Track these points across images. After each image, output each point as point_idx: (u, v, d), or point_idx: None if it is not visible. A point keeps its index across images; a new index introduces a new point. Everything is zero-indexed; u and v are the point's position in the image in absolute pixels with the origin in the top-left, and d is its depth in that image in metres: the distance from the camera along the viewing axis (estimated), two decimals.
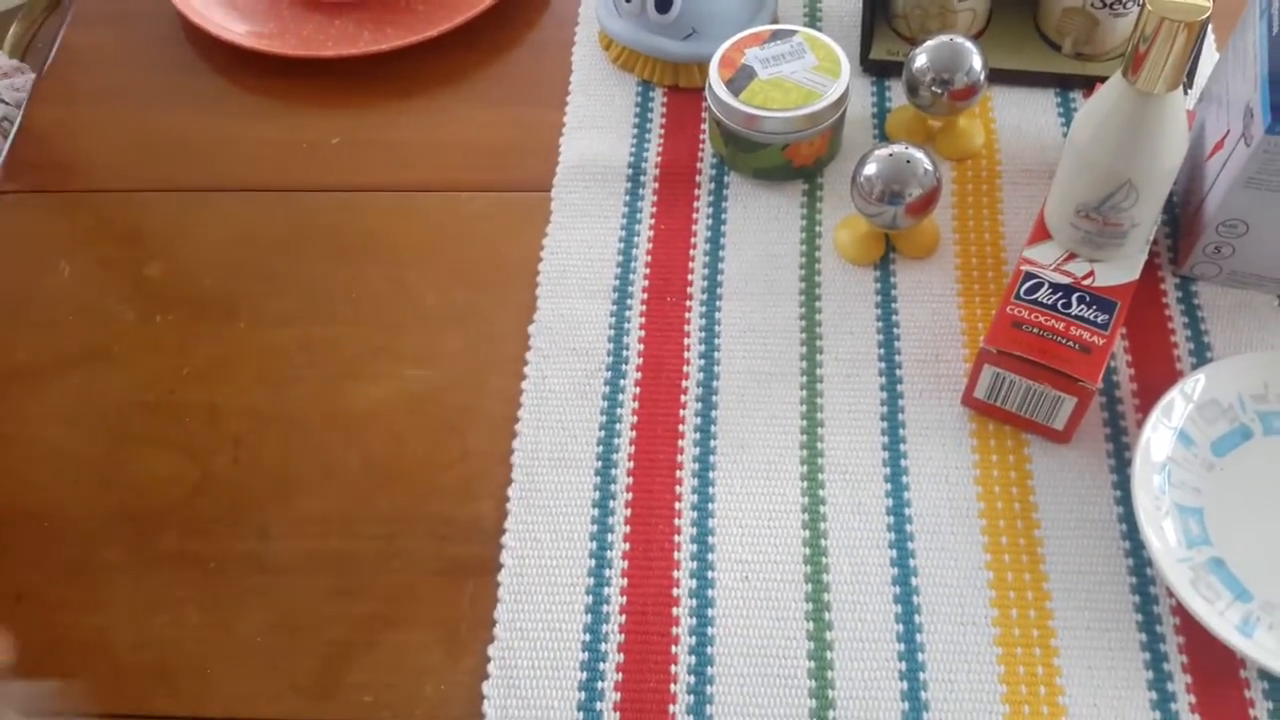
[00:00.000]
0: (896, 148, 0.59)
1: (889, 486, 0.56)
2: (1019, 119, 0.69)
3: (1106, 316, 0.55)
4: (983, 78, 0.63)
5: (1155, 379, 0.59)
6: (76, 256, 0.67)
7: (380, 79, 0.74)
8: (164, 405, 0.61)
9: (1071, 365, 0.53)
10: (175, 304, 0.65)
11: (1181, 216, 0.62)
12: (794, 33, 0.66)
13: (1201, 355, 0.59)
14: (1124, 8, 0.65)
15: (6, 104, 0.78)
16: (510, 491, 0.57)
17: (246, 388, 0.61)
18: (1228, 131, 0.57)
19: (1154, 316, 0.60)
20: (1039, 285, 0.56)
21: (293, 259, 0.66)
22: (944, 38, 0.63)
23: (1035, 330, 0.54)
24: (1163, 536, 0.52)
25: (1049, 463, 0.56)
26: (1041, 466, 0.56)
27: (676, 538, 0.55)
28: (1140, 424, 0.57)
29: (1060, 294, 0.55)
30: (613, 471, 0.57)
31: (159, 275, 0.66)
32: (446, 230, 0.67)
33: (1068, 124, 0.68)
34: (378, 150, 0.70)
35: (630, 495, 0.57)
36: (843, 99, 0.64)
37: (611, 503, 0.57)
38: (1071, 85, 0.69)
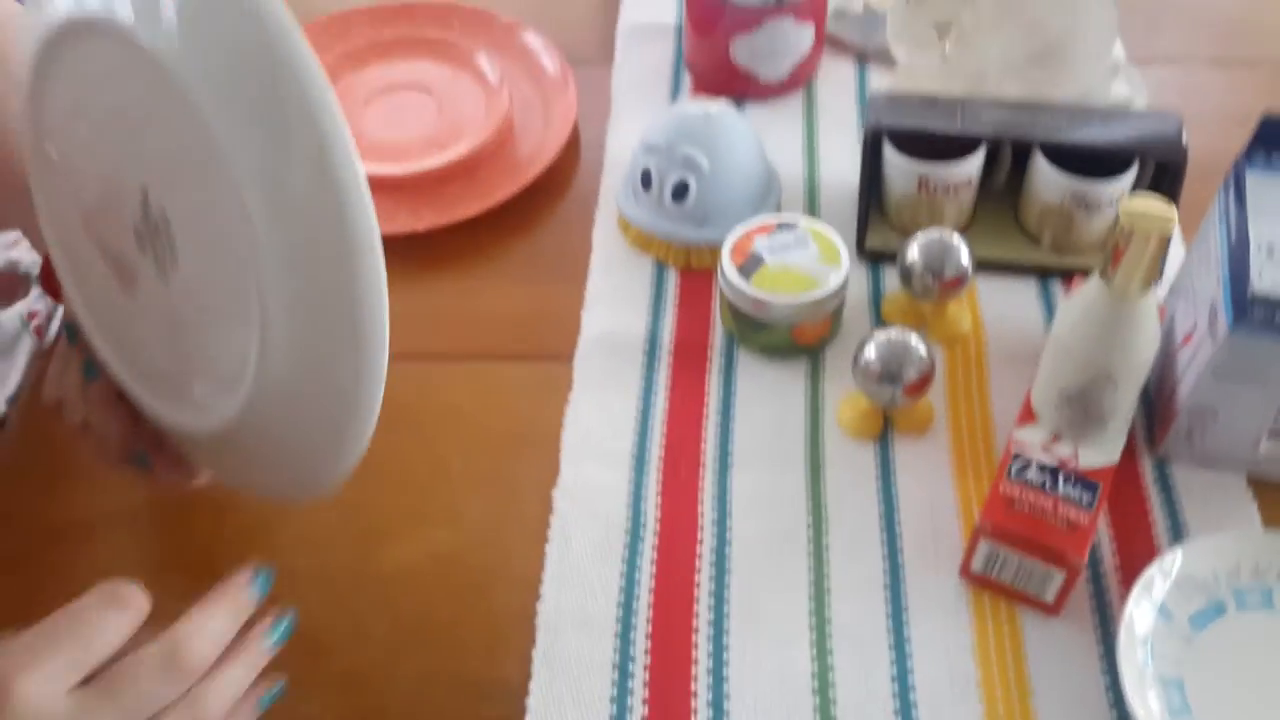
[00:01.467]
0: (894, 333, 0.65)
1: (893, 655, 0.60)
2: (1003, 305, 0.75)
3: (1090, 496, 0.59)
4: (969, 270, 0.69)
5: (1136, 554, 0.63)
6: None
7: (414, 254, 0.79)
8: (203, 565, 0.64)
9: (1060, 542, 0.58)
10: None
11: (1156, 402, 0.68)
12: (797, 224, 0.72)
13: (1178, 532, 0.64)
14: (1099, 209, 0.72)
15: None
16: (534, 653, 0.60)
17: (285, 546, 0.65)
18: (1195, 325, 0.63)
19: (1133, 495, 0.65)
20: (1027, 465, 0.61)
21: None
22: (934, 233, 0.69)
23: (1027, 508, 0.59)
24: (1147, 707, 0.55)
25: (1041, 634, 0.60)
26: (1034, 638, 0.60)
27: (693, 702, 0.58)
28: (1123, 598, 0.61)
29: (1048, 474, 0.60)
30: (632, 634, 0.61)
31: None
32: (473, 397, 0.71)
33: (1048, 311, 0.74)
34: (410, 321, 0.75)
35: (649, 659, 0.60)
36: (843, 286, 0.69)
37: (631, 665, 0.60)
38: (1050, 274, 0.76)
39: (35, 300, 0.80)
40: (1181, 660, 0.58)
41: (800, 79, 0.88)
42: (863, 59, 0.92)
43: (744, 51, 0.85)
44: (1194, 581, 0.60)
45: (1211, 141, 0.74)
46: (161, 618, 0.63)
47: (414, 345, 0.74)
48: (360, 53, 0.91)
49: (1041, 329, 0.73)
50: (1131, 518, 0.64)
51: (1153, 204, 0.53)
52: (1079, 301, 0.58)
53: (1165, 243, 0.53)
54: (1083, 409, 0.60)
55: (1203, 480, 0.66)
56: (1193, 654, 0.58)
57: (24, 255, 0.85)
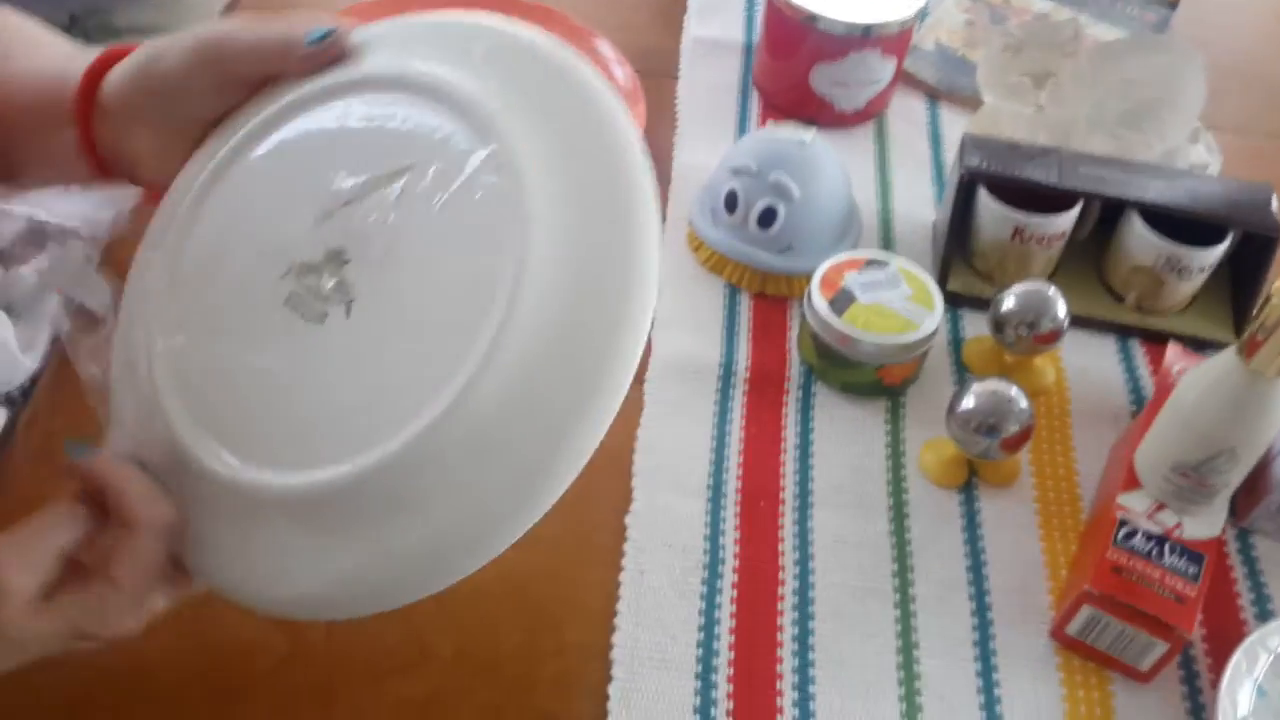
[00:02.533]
0: (995, 384, 0.63)
1: (984, 715, 0.58)
2: (1084, 361, 0.73)
3: (1196, 568, 0.58)
4: (1065, 324, 0.68)
5: (1222, 625, 0.62)
6: None
7: None
8: None
9: (1167, 613, 0.56)
10: None
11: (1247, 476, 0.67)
12: (888, 263, 0.70)
13: (1263, 606, 0.63)
14: (1189, 274, 0.71)
15: (81, 238, 0.77)
16: (610, 690, 0.57)
17: None
18: None
19: (1218, 566, 0.64)
20: (1134, 533, 0.59)
21: None
22: (1032, 285, 0.68)
23: (1134, 577, 0.57)
24: None
25: (1132, 702, 0.59)
26: (1125, 705, 0.59)
27: None
28: (1210, 668, 0.60)
29: (1154, 543, 0.59)
30: (713, 678, 0.58)
31: None
32: None
33: (1127, 369, 0.73)
34: None
35: (732, 703, 0.57)
36: (936, 330, 0.67)
37: (713, 710, 0.57)
38: (1131, 334, 0.75)
39: (55, 255, 0.74)
40: None
41: (873, 110, 0.86)
42: (934, 95, 0.90)
43: (824, 79, 0.83)
44: None
45: None
46: (201, 613, 0.59)
47: None
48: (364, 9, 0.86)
49: (1122, 388, 0.72)
50: (1217, 587, 0.63)
51: None
52: (1208, 376, 0.56)
53: None
54: (1197, 481, 0.58)
55: None
56: None
57: (40, 210, 0.79)
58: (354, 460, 0.42)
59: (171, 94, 0.50)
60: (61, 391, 0.67)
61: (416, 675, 0.57)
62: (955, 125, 0.88)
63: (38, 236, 0.75)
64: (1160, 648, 0.57)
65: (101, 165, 0.54)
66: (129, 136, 0.52)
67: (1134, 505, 0.61)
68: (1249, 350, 0.54)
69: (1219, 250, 0.70)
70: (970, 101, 0.87)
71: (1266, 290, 0.52)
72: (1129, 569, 0.58)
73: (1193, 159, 0.80)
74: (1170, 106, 0.76)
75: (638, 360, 0.43)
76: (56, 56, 0.58)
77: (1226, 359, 0.56)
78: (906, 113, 0.89)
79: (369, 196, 0.45)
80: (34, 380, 0.68)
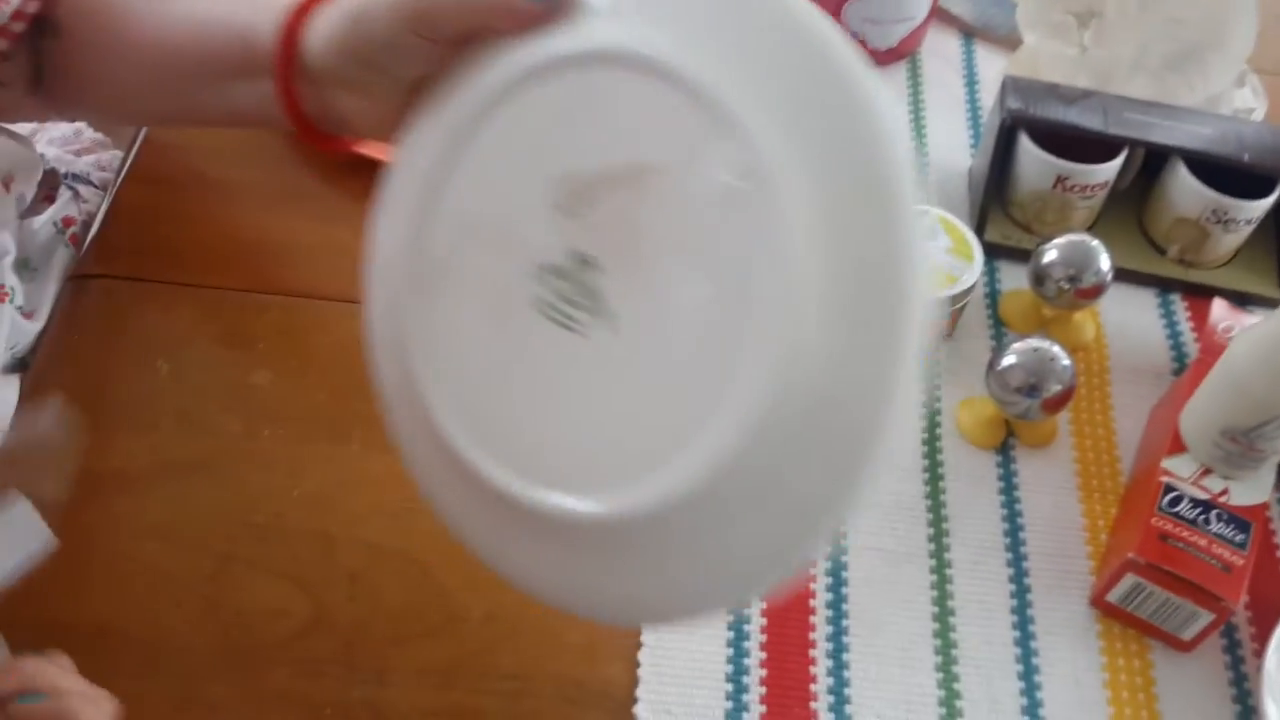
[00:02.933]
0: (1039, 343, 0.61)
1: (1022, 685, 0.56)
2: (1123, 316, 0.71)
3: (1244, 536, 0.56)
4: (1109, 278, 0.65)
5: (1265, 591, 0.60)
6: (176, 355, 0.64)
7: None
8: (272, 529, 0.58)
9: (1214, 583, 0.55)
10: (284, 418, 0.62)
11: None
12: (927, 211, 0.67)
13: None
14: (1236, 226, 0.68)
15: (93, 185, 0.74)
16: (640, 655, 0.56)
17: (362, 517, 0.59)
18: None
19: (1263, 533, 0.63)
20: (1180, 499, 0.57)
21: None
22: (1076, 237, 0.65)
23: (1180, 544, 0.56)
24: None
25: (1173, 671, 0.57)
26: (1165, 675, 0.57)
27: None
28: (1254, 636, 0.59)
29: (1200, 509, 0.57)
30: (745, 644, 0.57)
31: (266, 385, 0.63)
32: None
33: (1169, 325, 0.71)
34: None
35: (765, 671, 0.56)
36: (976, 283, 0.65)
37: (745, 678, 0.56)
38: (1172, 288, 0.72)
39: (67, 204, 0.71)
40: None
41: (906, 49, 0.83)
42: (969, 34, 0.87)
43: (857, 15, 0.79)
44: None
45: None
46: (221, 576, 0.57)
47: None
48: None
49: (1163, 344, 0.70)
50: (1261, 554, 0.62)
51: None
52: (1264, 338, 0.54)
53: None
54: (1247, 446, 0.56)
55: None
56: None
57: (50, 149, 0.76)
58: (638, 489, 0.38)
59: (379, 57, 0.47)
60: (62, 345, 0.65)
61: (442, 639, 0.56)
62: (991, 66, 0.84)
63: (49, 181, 0.72)
64: (1205, 618, 0.56)
65: (304, 122, 0.52)
66: (335, 97, 0.50)
67: (1179, 470, 0.59)
68: None
69: (1268, 202, 0.68)
70: (1007, 41, 0.83)
71: None
72: (1175, 536, 0.56)
73: (1237, 103, 0.77)
74: (1217, 48, 0.73)
75: (921, 391, 0.38)
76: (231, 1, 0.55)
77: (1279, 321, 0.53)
78: (941, 51, 0.85)
79: (610, 194, 0.41)
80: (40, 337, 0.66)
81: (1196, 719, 0.56)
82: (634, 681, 0.55)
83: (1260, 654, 0.56)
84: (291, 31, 0.50)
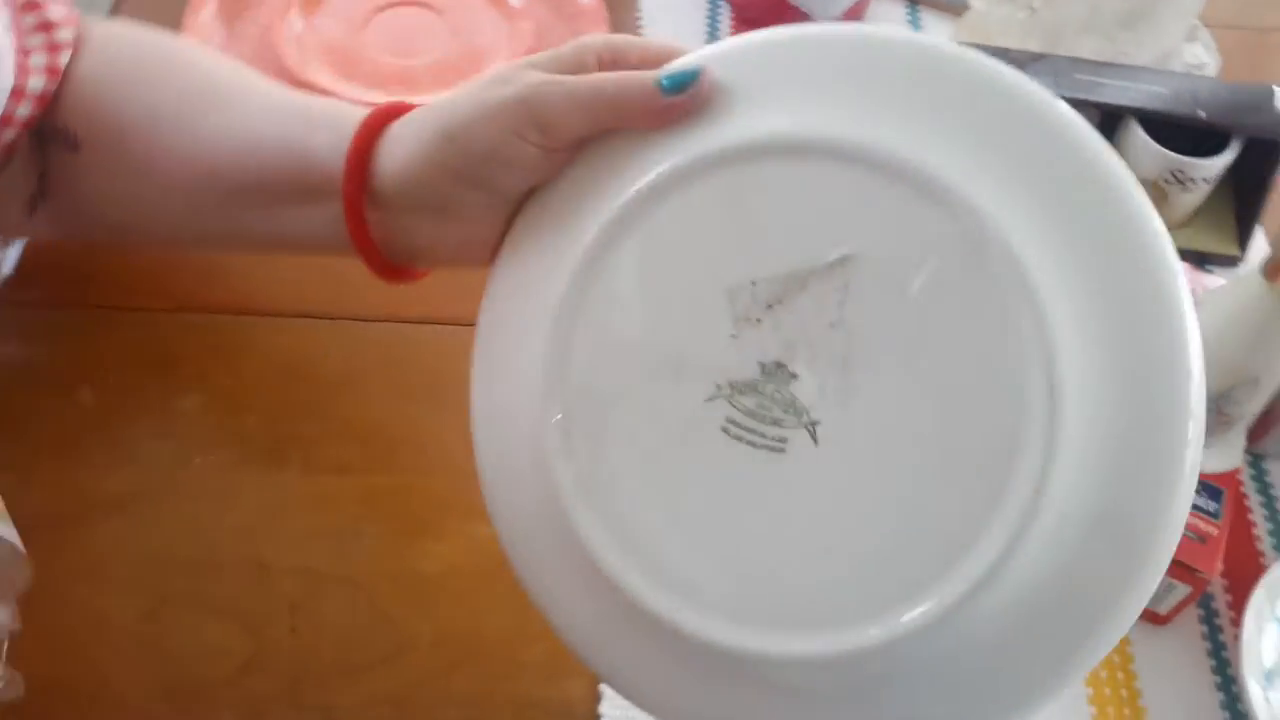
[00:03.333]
0: None
1: None
2: None
3: (1216, 504, 0.55)
4: None
5: (1238, 558, 0.59)
6: (99, 383, 0.61)
7: None
8: (207, 563, 0.55)
9: (1189, 555, 0.53)
10: (215, 444, 0.59)
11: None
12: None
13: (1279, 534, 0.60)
14: (1194, 185, 0.66)
15: None
16: None
17: (300, 543, 0.56)
18: None
19: (1231, 495, 0.61)
20: None
21: (348, 398, 0.61)
22: None
23: None
24: None
25: (1150, 647, 0.56)
26: (1143, 651, 0.56)
27: None
28: (1231, 606, 0.57)
29: None
30: None
31: (196, 409, 0.60)
32: None
33: None
34: (443, 278, 0.66)
35: None
36: None
37: None
38: None
39: None
40: None
41: (850, 19, 0.80)
42: (914, 0, 0.84)
43: None
44: None
45: None
46: (157, 616, 0.54)
47: (450, 307, 0.64)
48: None
49: None
50: (1233, 519, 0.60)
51: None
52: (1228, 302, 0.52)
53: None
54: (1216, 412, 0.55)
55: None
56: None
57: None
58: (861, 629, 0.34)
59: (482, 172, 0.42)
60: None
61: (393, 668, 0.53)
62: (939, 33, 0.82)
63: None
64: (1182, 590, 0.54)
65: (373, 251, 0.47)
66: (413, 223, 0.45)
67: None
68: (1272, 273, 0.50)
69: (1225, 159, 0.66)
70: (953, 7, 0.81)
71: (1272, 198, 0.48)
72: None
73: (1188, 59, 0.75)
74: (1168, 3, 0.71)
75: (1186, 512, 0.34)
76: (282, 113, 0.50)
77: (1249, 283, 0.51)
78: (886, 19, 0.83)
79: (801, 293, 0.36)
80: None
81: (1176, 693, 0.55)
82: (596, 697, 0.53)
83: (1238, 623, 0.55)
84: (362, 154, 0.45)
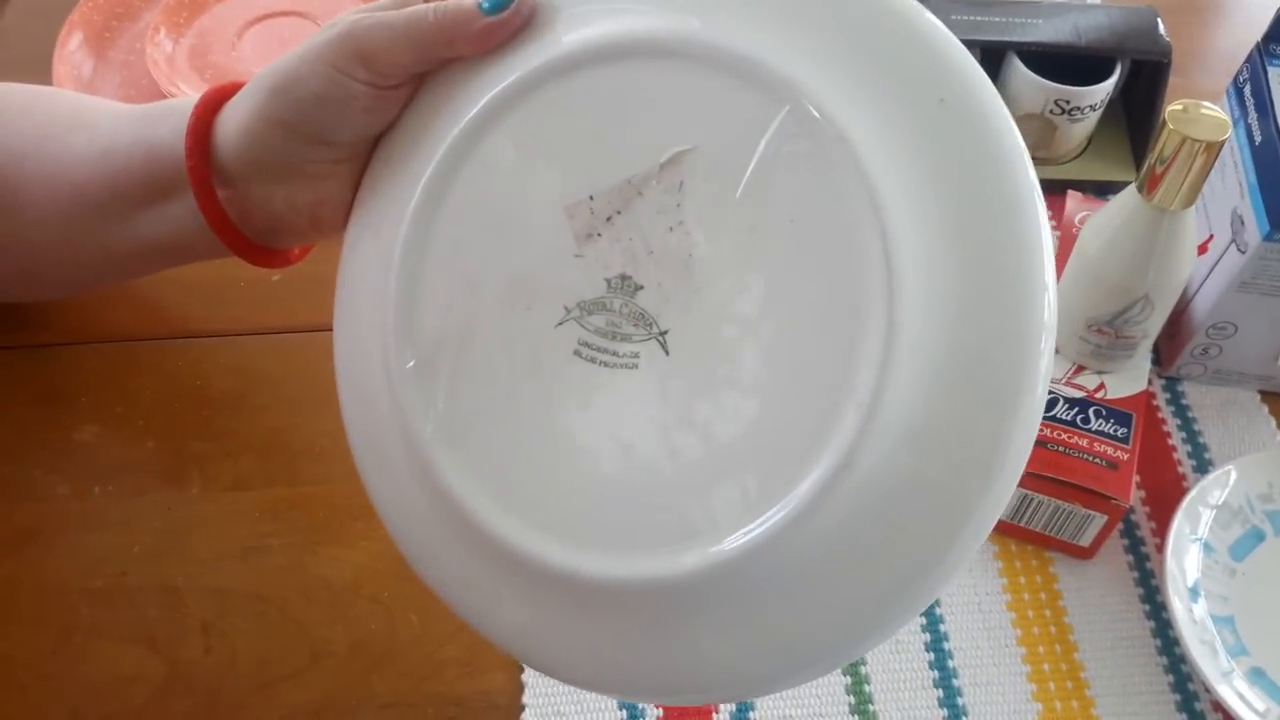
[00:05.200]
0: None
1: (924, 620, 0.54)
2: None
3: (1125, 430, 0.54)
4: None
5: (1159, 483, 0.59)
6: None
7: None
8: (115, 591, 0.54)
9: (1102, 483, 0.52)
10: (115, 472, 0.57)
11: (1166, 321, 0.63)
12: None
13: (1200, 456, 0.59)
14: (1081, 114, 0.66)
15: None
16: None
17: (209, 563, 0.55)
18: (1211, 236, 0.58)
19: (1149, 421, 0.61)
20: (1054, 401, 0.55)
21: (244, 413, 0.60)
22: None
23: (1061, 449, 0.53)
24: (1207, 654, 0.51)
25: (1076, 581, 0.55)
26: (1069, 586, 0.55)
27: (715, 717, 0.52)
28: (1155, 532, 0.57)
29: (1077, 409, 0.55)
30: None
31: (93, 439, 0.59)
32: None
33: None
34: (324, 286, 0.64)
35: None
36: None
37: None
38: None
39: None
40: (1229, 596, 0.54)
41: None
42: None
43: None
44: (1229, 509, 0.56)
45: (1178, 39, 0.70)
46: (64, 649, 0.53)
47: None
48: None
49: None
50: (1151, 443, 0.60)
51: (1203, 111, 0.47)
52: (1111, 221, 0.52)
53: (1218, 153, 0.47)
54: (1114, 335, 0.54)
55: (1216, 398, 0.62)
56: (1238, 588, 0.54)
57: None
58: (715, 543, 0.33)
59: (315, 120, 0.41)
60: None
61: (309, 678, 0.52)
62: None
63: None
64: (1099, 520, 0.53)
65: (233, 233, 0.46)
66: (266, 195, 0.44)
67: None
68: (1149, 185, 0.50)
69: (1109, 84, 0.65)
70: None
71: (1163, 117, 0.48)
72: (1054, 441, 0.53)
73: None
74: None
75: (1045, 391, 0.33)
76: (130, 119, 0.49)
77: (1128, 199, 0.51)
78: None
79: (638, 200, 0.35)
80: None
81: (1105, 623, 0.54)
82: (519, 689, 0.52)
83: (1162, 549, 0.54)
84: (200, 130, 0.44)
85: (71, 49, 0.70)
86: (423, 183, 0.37)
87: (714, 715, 0.51)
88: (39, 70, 0.71)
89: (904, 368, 0.32)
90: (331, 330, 0.63)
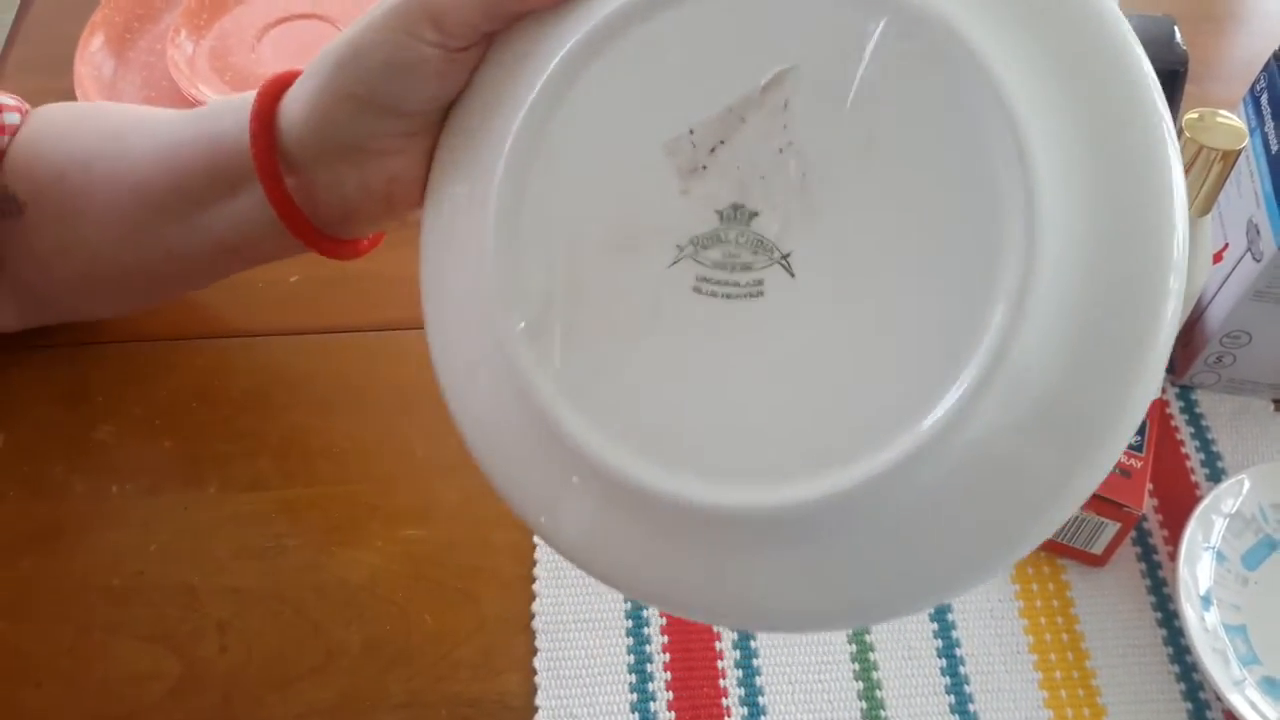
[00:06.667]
0: None
1: (935, 626, 0.54)
2: None
3: (1139, 438, 0.54)
4: None
5: (1174, 492, 0.59)
6: (11, 423, 0.60)
7: None
8: (132, 590, 0.54)
9: (1115, 491, 0.52)
10: (133, 471, 0.58)
11: (1180, 329, 0.63)
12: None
13: (1213, 465, 0.60)
14: None
15: None
16: (537, 662, 0.53)
17: (225, 563, 0.55)
18: (1226, 245, 0.58)
19: (1162, 429, 0.61)
20: None
21: (262, 413, 0.60)
22: None
23: None
24: (1220, 663, 0.51)
25: (1088, 588, 0.55)
26: (1082, 593, 0.55)
27: (725, 701, 0.52)
28: (1167, 540, 0.57)
29: None
30: (645, 631, 0.54)
31: (111, 439, 0.59)
32: (429, 370, 0.62)
33: None
34: (344, 287, 0.65)
35: (668, 656, 0.53)
36: None
37: (649, 666, 0.53)
38: None
39: None
40: (1241, 605, 0.54)
41: None
42: None
43: None
44: (1241, 518, 0.56)
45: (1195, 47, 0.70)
46: (81, 647, 0.54)
47: (352, 315, 0.64)
48: None
49: None
50: (1164, 453, 0.60)
51: (1219, 119, 0.47)
52: None
53: (1235, 161, 0.47)
54: None
55: (1229, 406, 0.62)
56: (1251, 597, 0.54)
57: None
58: (845, 471, 0.32)
59: (386, 90, 0.40)
60: None
61: (324, 677, 0.52)
62: None
63: None
64: (1112, 528, 0.53)
65: (302, 223, 0.46)
66: (336, 178, 0.43)
67: None
68: None
69: None
70: None
71: (1179, 125, 0.48)
72: None
73: None
74: None
75: (1175, 329, 0.33)
76: (192, 118, 0.48)
77: None
78: None
79: (741, 127, 0.34)
80: None
81: (1118, 631, 0.54)
82: (532, 690, 0.52)
83: (1174, 558, 0.54)
84: (265, 114, 0.43)
85: (93, 50, 0.71)
86: (509, 142, 0.36)
87: (725, 718, 0.51)
88: (61, 71, 0.72)
89: (1048, 264, 0.31)
90: (349, 331, 0.64)
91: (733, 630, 0.50)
